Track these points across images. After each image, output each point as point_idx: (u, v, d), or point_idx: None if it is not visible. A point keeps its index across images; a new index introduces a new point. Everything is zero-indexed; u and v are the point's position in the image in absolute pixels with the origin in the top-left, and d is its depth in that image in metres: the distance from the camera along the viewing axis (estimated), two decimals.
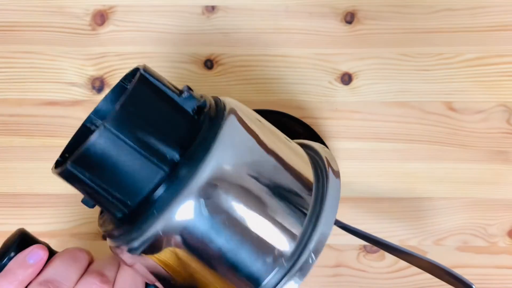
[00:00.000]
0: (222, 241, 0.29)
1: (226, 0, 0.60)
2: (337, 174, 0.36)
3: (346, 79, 0.60)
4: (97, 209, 0.60)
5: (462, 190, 0.60)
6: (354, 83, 0.60)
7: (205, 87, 0.61)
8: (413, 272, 0.60)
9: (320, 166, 0.37)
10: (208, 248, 0.29)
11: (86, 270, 0.37)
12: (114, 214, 0.32)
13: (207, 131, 0.29)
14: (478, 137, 0.60)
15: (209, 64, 0.61)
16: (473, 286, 0.47)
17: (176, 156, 0.29)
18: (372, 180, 0.60)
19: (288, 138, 0.38)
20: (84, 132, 0.37)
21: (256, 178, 0.30)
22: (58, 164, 0.34)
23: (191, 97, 0.30)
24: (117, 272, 0.36)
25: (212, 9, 0.61)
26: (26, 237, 0.41)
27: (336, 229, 0.56)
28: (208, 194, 0.28)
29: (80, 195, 0.60)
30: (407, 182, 0.60)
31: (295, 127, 0.56)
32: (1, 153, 0.60)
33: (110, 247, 0.34)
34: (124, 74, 0.61)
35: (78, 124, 0.60)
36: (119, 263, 0.37)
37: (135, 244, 0.30)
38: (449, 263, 0.56)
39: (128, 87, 0.31)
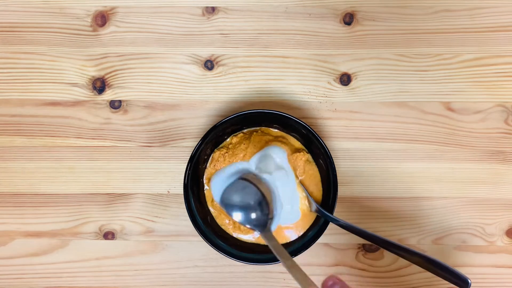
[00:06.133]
0: None
1: (226, 1, 0.61)
2: None
3: (345, 79, 0.61)
4: (95, 209, 0.60)
5: (461, 190, 0.60)
6: (353, 83, 0.61)
7: (206, 87, 0.61)
8: (411, 271, 0.60)
9: None
10: None
11: None
12: None
13: None
14: (476, 137, 0.60)
15: (209, 64, 0.61)
16: (469, 281, 0.47)
17: None
18: (371, 179, 0.60)
19: None
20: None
21: None
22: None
23: None
24: None
25: (212, 10, 0.61)
26: None
27: (336, 228, 0.57)
28: None
29: (79, 195, 0.61)
30: (405, 182, 0.60)
31: (295, 127, 0.56)
32: (2, 153, 0.61)
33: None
34: (124, 74, 0.62)
35: (79, 124, 0.61)
36: None
37: None
38: (448, 262, 0.56)
39: None
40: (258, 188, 0.47)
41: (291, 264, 0.40)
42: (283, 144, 0.57)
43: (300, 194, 0.57)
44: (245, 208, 0.46)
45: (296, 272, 0.39)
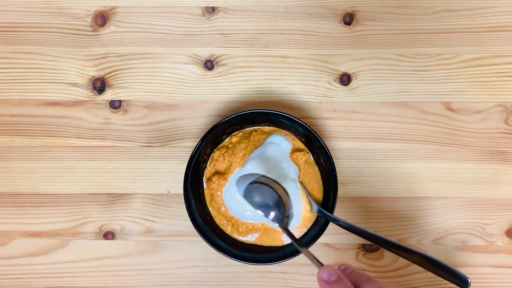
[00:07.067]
0: None
1: (226, 1, 0.61)
2: None
3: (345, 79, 0.61)
4: (95, 209, 0.60)
5: (461, 190, 0.60)
6: (353, 83, 0.61)
7: (206, 87, 0.61)
8: (411, 271, 0.60)
9: None
10: None
11: None
12: None
13: None
14: (477, 137, 0.60)
15: (209, 64, 0.61)
16: (469, 280, 0.47)
17: None
18: (371, 179, 0.60)
19: None
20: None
21: None
22: None
23: None
24: None
25: (212, 10, 0.61)
26: None
27: (336, 228, 0.57)
28: None
29: (79, 195, 0.61)
30: (405, 182, 0.60)
31: (295, 127, 0.56)
32: (3, 153, 0.61)
33: None
34: (124, 74, 0.61)
35: (79, 124, 0.61)
36: None
37: None
38: (448, 262, 0.56)
39: None
40: (274, 190, 0.51)
41: (305, 251, 0.46)
42: (287, 135, 0.58)
43: (304, 202, 0.57)
44: (265, 207, 0.50)
45: (310, 256, 0.46)
